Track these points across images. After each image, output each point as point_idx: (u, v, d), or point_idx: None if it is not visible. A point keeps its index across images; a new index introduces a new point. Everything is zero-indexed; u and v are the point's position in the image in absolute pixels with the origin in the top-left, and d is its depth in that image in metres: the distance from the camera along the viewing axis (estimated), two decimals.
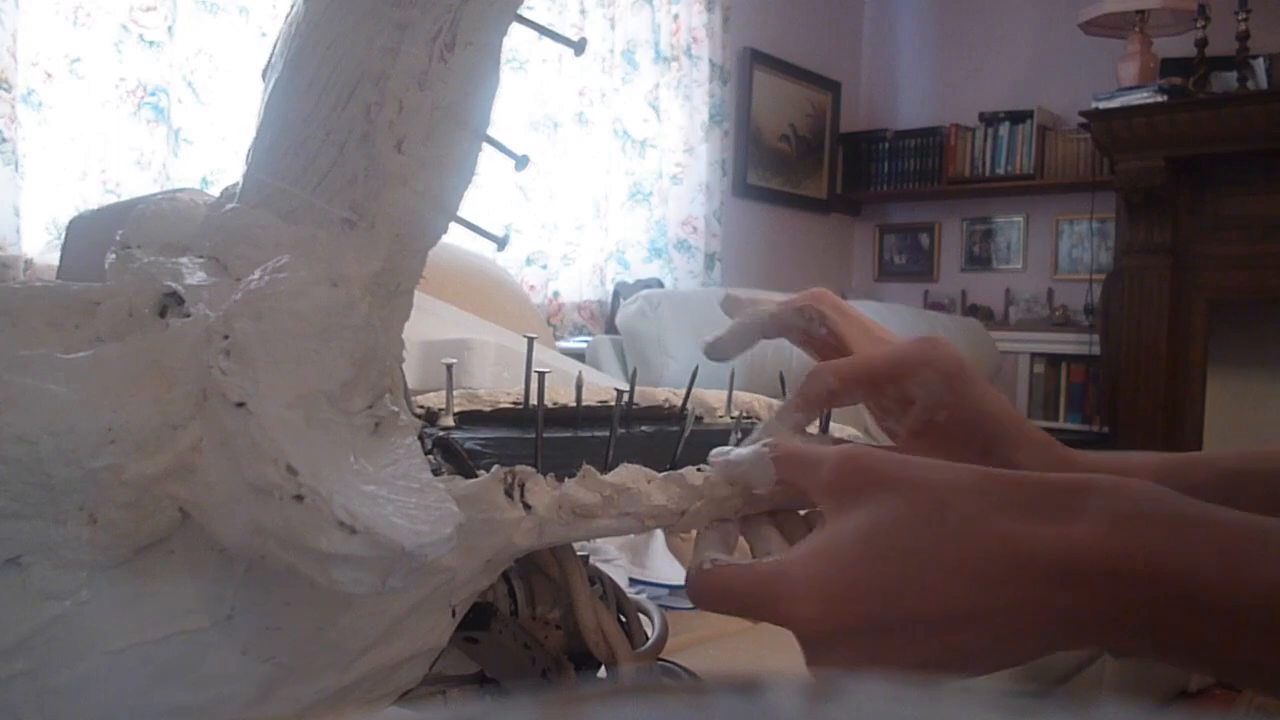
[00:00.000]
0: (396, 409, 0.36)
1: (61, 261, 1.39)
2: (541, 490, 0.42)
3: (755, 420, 0.60)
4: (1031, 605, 0.33)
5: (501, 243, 0.43)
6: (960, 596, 0.33)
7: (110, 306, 0.40)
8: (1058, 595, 0.33)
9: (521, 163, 0.40)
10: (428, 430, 0.45)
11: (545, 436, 0.45)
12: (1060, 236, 3.95)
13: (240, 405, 0.32)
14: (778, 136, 3.96)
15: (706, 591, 0.39)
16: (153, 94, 2.00)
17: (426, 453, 0.42)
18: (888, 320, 2.97)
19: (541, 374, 0.46)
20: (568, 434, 0.49)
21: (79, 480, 0.33)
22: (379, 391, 0.35)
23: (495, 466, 0.42)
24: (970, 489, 0.35)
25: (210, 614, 0.35)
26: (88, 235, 1.33)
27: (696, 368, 0.56)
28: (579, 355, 2.28)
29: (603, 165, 2.97)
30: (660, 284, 3.06)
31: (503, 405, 0.50)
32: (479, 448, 0.45)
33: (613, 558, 1.46)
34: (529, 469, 0.42)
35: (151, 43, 2.00)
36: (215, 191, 0.47)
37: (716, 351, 0.53)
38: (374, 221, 0.38)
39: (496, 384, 0.57)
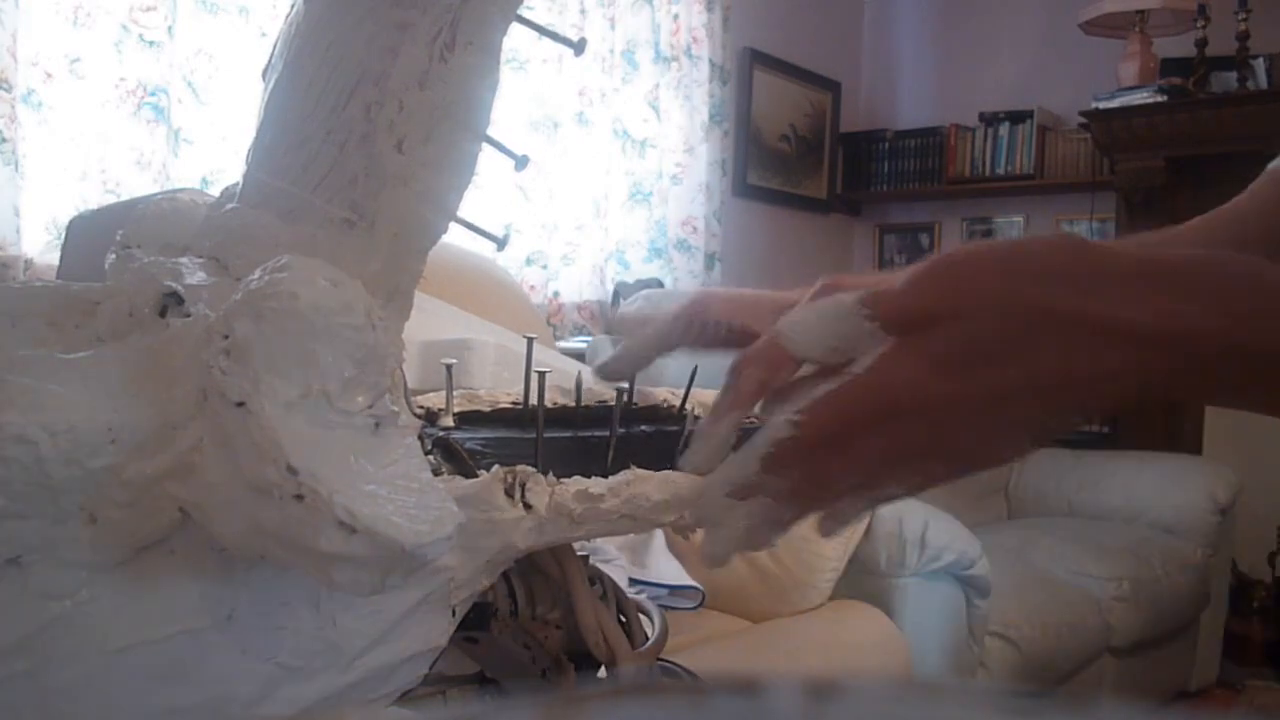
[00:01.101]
0: (396, 409, 0.36)
1: (61, 261, 1.39)
2: (541, 490, 0.42)
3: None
4: (1128, 373, 0.38)
5: (501, 243, 0.43)
6: (1060, 371, 0.38)
7: (110, 306, 0.40)
8: (1164, 362, 0.38)
9: (521, 163, 0.40)
10: (428, 430, 0.45)
11: (545, 436, 0.45)
12: None
13: (240, 405, 0.32)
14: (778, 136, 3.96)
15: (822, 426, 0.40)
16: (153, 94, 2.00)
17: (426, 453, 0.42)
18: None
19: (542, 374, 0.46)
20: (567, 434, 0.49)
21: (79, 480, 0.33)
22: (379, 391, 0.35)
23: (495, 466, 0.42)
24: (1066, 280, 0.38)
25: (210, 614, 0.35)
26: (88, 235, 1.33)
27: (696, 367, 0.56)
28: (579, 355, 2.28)
29: (603, 165, 2.96)
30: (660, 284, 3.05)
31: (502, 405, 0.50)
32: (479, 448, 0.45)
33: (613, 558, 1.46)
34: (529, 469, 0.42)
35: (151, 43, 1.99)
36: (215, 191, 0.47)
37: (607, 372, 0.54)
38: (374, 221, 0.38)
39: (496, 384, 0.57)
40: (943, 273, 0.41)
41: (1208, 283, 0.39)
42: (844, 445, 0.41)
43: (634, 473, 0.45)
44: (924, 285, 0.41)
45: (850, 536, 1.67)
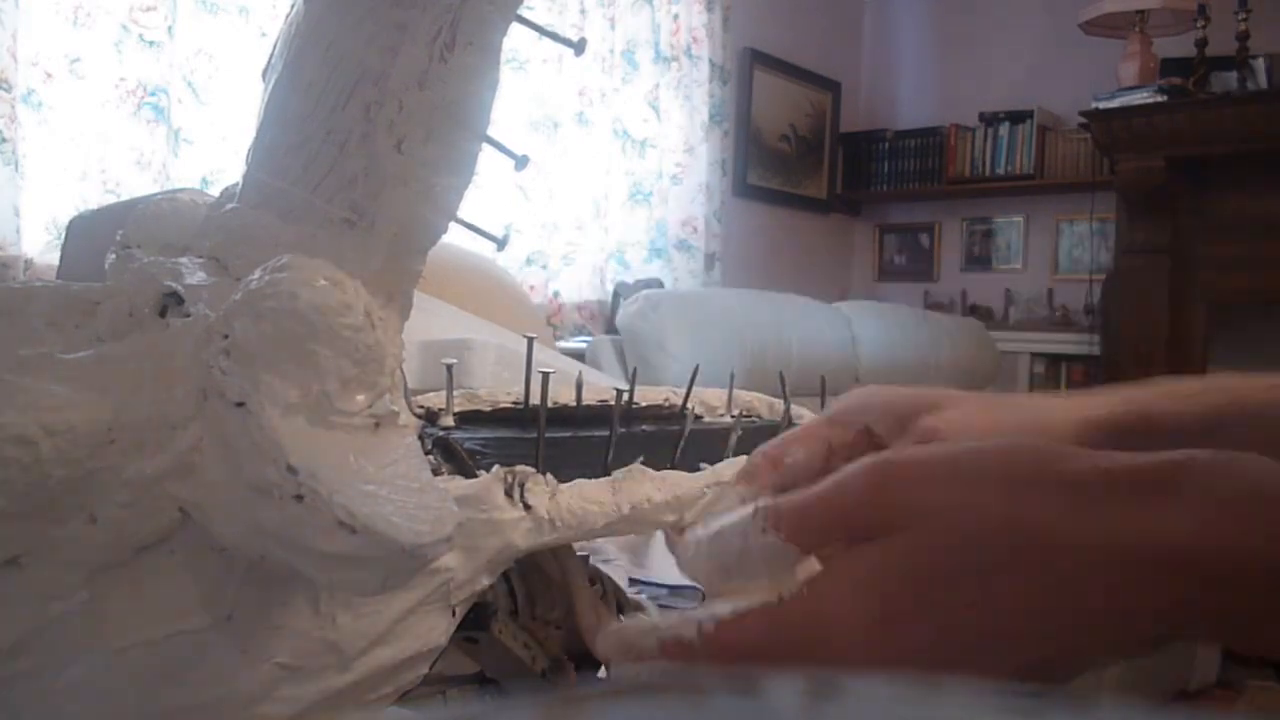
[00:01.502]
0: (396, 409, 0.36)
1: (61, 261, 1.39)
2: (541, 490, 0.42)
3: (756, 418, 0.60)
4: (1127, 607, 0.29)
5: (501, 243, 0.43)
6: (1040, 610, 0.30)
7: (110, 306, 0.40)
8: (1160, 591, 0.29)
9: (521, 163, 0.40)
10: (428, 430, 0.45)
11: (545, 436, 0.45)
12: (1060, 236, 3.95)
13: (240, 405, 0.32)
14: (778, 136, 3.96)
15: (723, 650, 0.32)
16: (153, 94, 2.00)
17: (426, 453, 0.42)
18: (888, 319, 2.97)
19: (545, 374, 0.46)
20: (567, 434, 0.49)
21: (79, 480, 0.33)
22: (379, 391, 0.35)
23: (495, 466, 0.42)
24: (1036, 489, 0.30)
25: (210, 614, 0.35)
26: (88, 235, 1.33)
27: (697, 366, 0.56)
28: (579, 355, 2.28)
29: (603, 165, 2.96)
30: (660, 284, 3.05)
31: (503, 405, 0.50)
32: (479, 448, 0.45)
33: (613, 558, 1.46)
34: (529, 469, 0.42)
35: (151, 43, 2.00)
36: (215, 191, 0.47)
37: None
38: (374, 221, 0.38)
39: (496, 384, 0.57)
40: (877, 478, 0.32)
41: (1237, 487, 0.29)
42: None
43: (634, 469, 0.45)
44: (852, 492, 0.32)
45: None
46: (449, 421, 0.47)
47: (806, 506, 0.33)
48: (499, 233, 0.43)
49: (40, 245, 1.88)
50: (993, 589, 0.30)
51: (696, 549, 0.35)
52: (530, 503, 0.41)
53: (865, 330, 2.81)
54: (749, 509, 0.34)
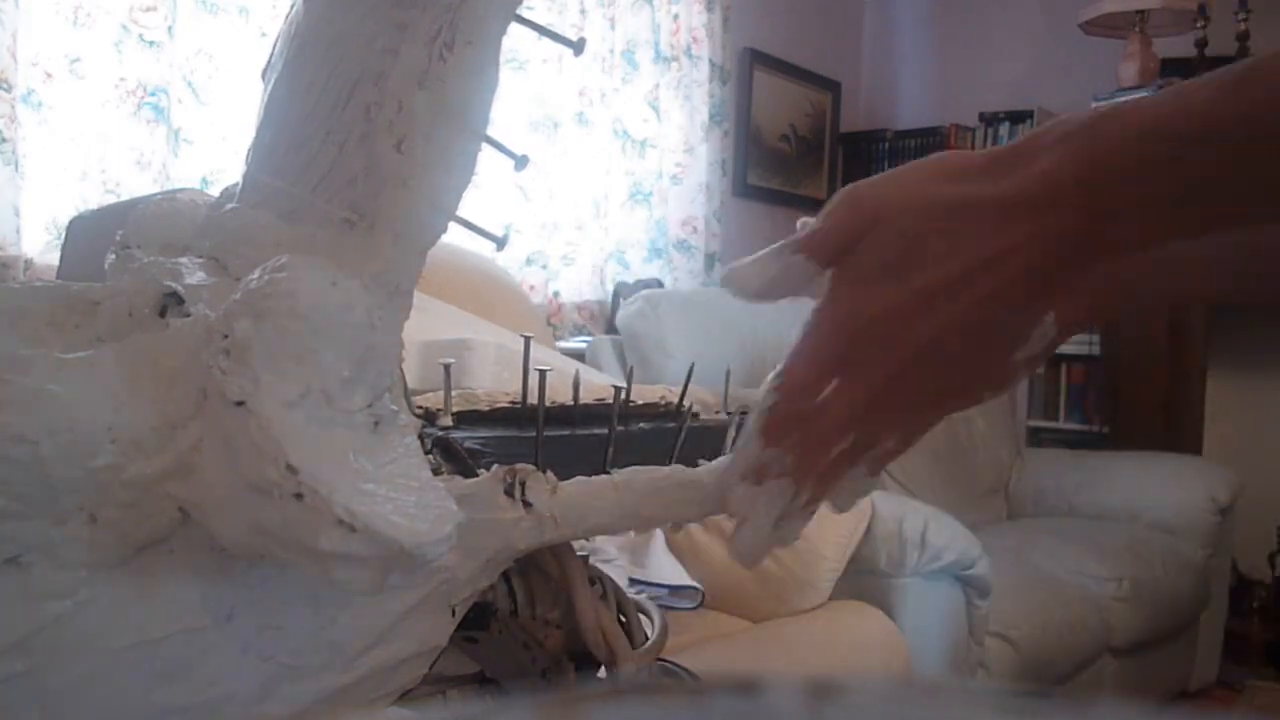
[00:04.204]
0: (396, 408, 0.36)
1: (61, 261, 1.39)
2: (541, 489, 0.42)
3: None
4: (1017, 248, 0.39)
5: (501, 243, 0.43)
6: (962, 258, 0.39)
7: (110, 306, 0.40)
8: (1037, 226, 0.38)
9: (521, 163, 0.40)
10: (427, 430, 0.45)
11: (544, 435, 0.45)
12: None
13: (240, 404, 0.32)
14: (778, 136, 3.96)
15: (800, 386, 0.41)
16: (153, 94, 2.00)
17: (426, 452, 0.42)
18: None
19: (543, 372, 0.46)
20: (566, 432, 0.49)
21: (79, 480, 0.33)
22: (379, 391, 0.35)
23: (495, 465, 0.42)
24: (954, 176, 0.40)
25: (210, 614, 0.35)
26: (88, 235, 1.33)
27: (693, 365, 0.56)
28: (579, 355, 2.28)
29: (603, 165, 2.96)
30: (660, 284, 3.05)
31: (501, 405, 0.50)
32: (478, 447, 0.45)
33: (613, 558, 1.46)
34: (529, 467, 0.42)
35: (151, 43, 1.99)
36: (215, 191, 0.47)
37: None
38: (374, 221, 0.38)
39: (496, 384, 0.57)
40: (847, 195, 0.42)
41: (1095, 132, 0.38)
42: (826, 399, 0.41)
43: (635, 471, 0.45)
44: (832, 210, 0.42)
45: (850, 536, 1.67)
46: (448, 421, 0.47)
47: (814, 231, 0.42)
48: (499, 233, 0.43)
49: (40, 245, 1.88)
50: (930, 246, 0.40)
51: (743, 270, 0.43)
52: (530, 500, 0.41)
53: None
54: (780, 244, 0.42)
